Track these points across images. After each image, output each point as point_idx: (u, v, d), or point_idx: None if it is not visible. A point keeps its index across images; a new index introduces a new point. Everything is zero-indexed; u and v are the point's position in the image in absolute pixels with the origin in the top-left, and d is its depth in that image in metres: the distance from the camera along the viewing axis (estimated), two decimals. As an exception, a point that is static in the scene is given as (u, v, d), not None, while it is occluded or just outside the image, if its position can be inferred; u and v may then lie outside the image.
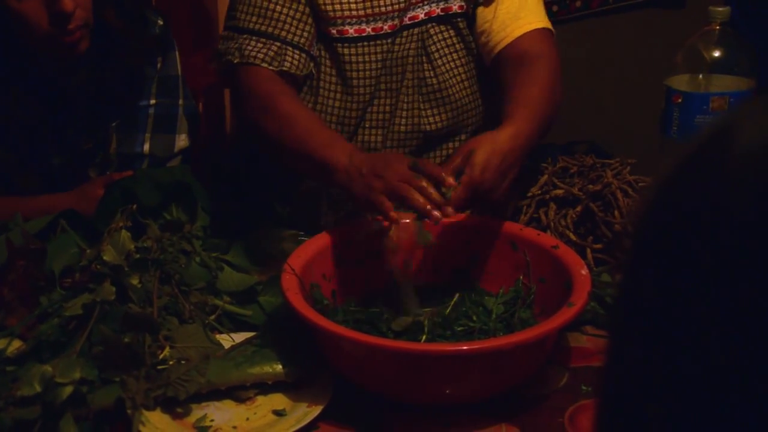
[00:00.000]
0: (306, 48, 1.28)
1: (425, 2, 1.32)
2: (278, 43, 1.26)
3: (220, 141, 2.07)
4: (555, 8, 2.39)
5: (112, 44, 1.33)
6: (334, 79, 1.33)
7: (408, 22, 1.32)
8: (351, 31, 1.30)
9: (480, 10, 1.32)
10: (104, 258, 1.04)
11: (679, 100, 1.32)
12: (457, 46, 1.35)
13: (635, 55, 2.41)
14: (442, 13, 1.33)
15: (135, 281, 1.04)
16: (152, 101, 1.41)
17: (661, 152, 1.41)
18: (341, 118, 1.34)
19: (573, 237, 1.21)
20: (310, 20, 1.29)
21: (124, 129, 1.40)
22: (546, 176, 1.27)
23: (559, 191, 1.24)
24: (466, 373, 0.93)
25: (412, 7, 1.32)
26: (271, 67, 1.24)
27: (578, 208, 1.22)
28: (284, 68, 1.25)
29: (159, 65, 1.41)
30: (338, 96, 1.33)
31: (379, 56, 1.32)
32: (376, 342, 0.92)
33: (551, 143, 1.86)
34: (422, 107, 1.36)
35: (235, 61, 1.25)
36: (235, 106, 1.45)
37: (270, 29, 1.26)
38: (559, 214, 1.23)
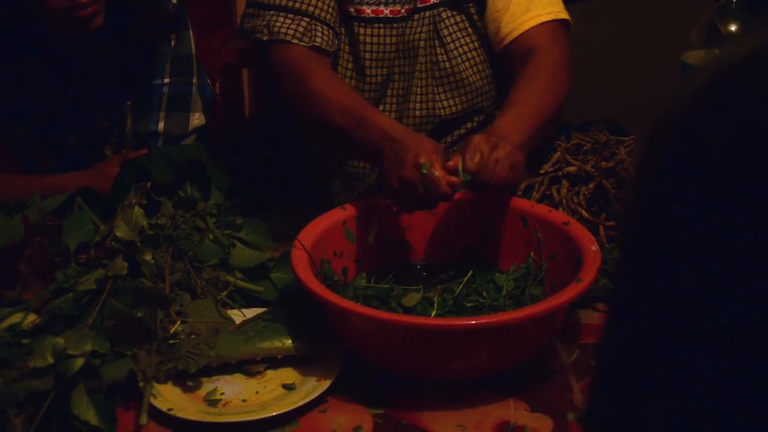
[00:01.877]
0: (332, 24, 1.26)
1: None
2: (307, 19, 1.23)
3: (238, 120, 2.08)
4: (573, -14, 2.36)
5: (126, 22, 1.33)
6: (348, 59, 1.32)
7: (420, 5, 1.31)
8: (368, 11, 1.29)
9: None
10: (117, 234, 1.05)
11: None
12: (469, 29, 1.34)
13: (651, 32, 2.38)
14: None
15: (148, 257, 1.05)
16: (166, 80, 1.42)
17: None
18: None
19: (585, 214, 1.20)
20: None
21: (139, 107, 1.42)
22: (559, 153, 1.26)
23: (571, 168, 1.24)
24: (474, 347, 0.93)
25: None
26: (302, 43, 1.21)
27: (591, 185, 1.22)
28: (316, 44, 1.22)
29: (173, 43, 1.42)
30: (353, 75, 1.33)
31: (394, 39, 1.31)
32: (385, 317, 0.92)
33: (567, 122, 1.85)
34: (436, 91, 1.35)
35: (264, 39, 1.22)
36: (263, 85, 1.42)
37: (297, 4, 1.23)
38: (571, 191, 1.23)
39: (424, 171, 1.01)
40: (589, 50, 2.32)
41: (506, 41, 1.29)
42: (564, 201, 1.21)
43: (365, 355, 0.98)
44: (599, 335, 0.40)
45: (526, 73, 1.21)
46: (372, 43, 1.31)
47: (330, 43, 1.24)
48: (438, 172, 1.01)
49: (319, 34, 1.23)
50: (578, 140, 1.30)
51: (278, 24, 1.22)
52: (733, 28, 1.31)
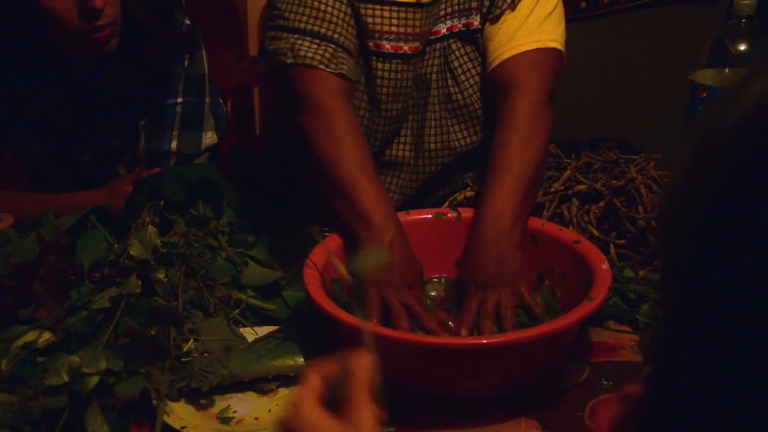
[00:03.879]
0: (354, 54, 1.23)
1: (447, 17, 1.28)
2: (333, 45, 1.19)
3: (249, 139, 2.09)
4: (583, 4, 2.38)
5: (141, 43, 1.35)
6: (363, 92, 1.30)
7: (431, 38, 1.29)
8: (388, 46, 1.27)
9: (487, 25, 1.27)
10: (131, 253, 1.06)
11: (704, 95, 1.31)
12: (478, 61, 1.31)
13: (661, 50, 2.39)
14: (464, 29, 1.29)
15: (161, 275, 1.06)
16: (179, 99, 1.43)
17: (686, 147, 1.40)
18: (368, 131, 1.31)
19: (596, 232, 1.20)
20: (354, 27, 1.24)
21: (152, 127, 1.43)
22: (569, 171, 1.26)
23: (582, 186, 1.24)
24: (485, 367, 0.93)
25: (435, 22, 1.29)
26: (328, 69, 1.17)
27: (601, 204, 1.22)
28: (342, 71, 1.18)
29: (186, 63, 1.43)
30: (368, 109, 1.30)
31: (410, 74, 1.29)
32: (396, 335, 0.93)
33: (577, 141, 1.85)
34: (450, 123, 1.34)
35: (289, 61, 1.18)
36: (277, 104, 1.40)
37: (323, 30, 1.20)
38: (582, 210, 1.23)
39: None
40: (599, 69, 2.34)
41: (489, 69, 1.26)
42: (574, 219, 1.22)
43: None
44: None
45: (502, 123, 1.16)
46: (390, 78, 1.28)
47: (353, 72, 1.21)
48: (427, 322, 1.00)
49: (344, 62, 1.19)
50: (588, 159, 1.30)
51: (304, 48, 1.18)
52: (742, 47, 1.31)
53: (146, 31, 1.35)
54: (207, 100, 1.45)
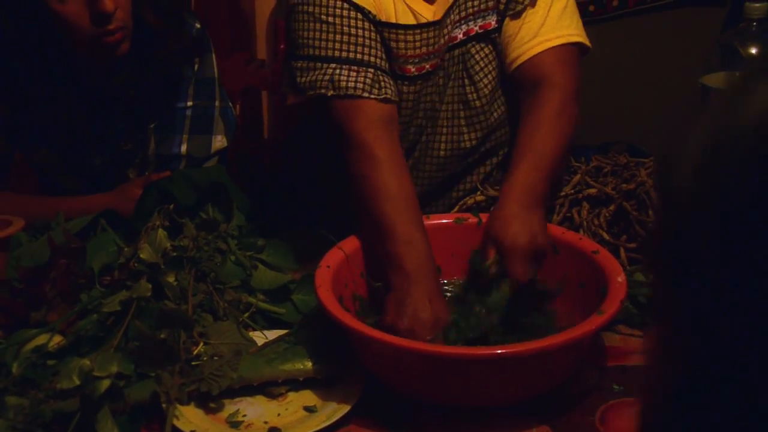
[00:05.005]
0: (391, 75, 1.20)
1: (462, 21, 1.26)
2: (372, 70, 1.15)
3: (257, 143, 2.10)
4: (592, 8, 2.38)
5: (152, 47, 1.36)
6: None
7: (449, 44, 1.27)
8: (413, 69, 1.25)
9: (506, 21, 1.26)
10: (141, 256, 1.06)
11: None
12: (494, 62, 1.30)
13: (671, 54, 2.38)
14: (481, 31, 1.27)
15: (171, 279, 1.06)
16: (189, 103, 1.44)
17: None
18: None
19: (606, 236, 1.20)
20: (384, 49, 1.21)
21: (162, 130, 1.43)
22: (579, 175, 1.26)
23: (592, 190, 1.24)
24: (493, 377, 0.92)
25: (452, 28, 1.27)
26: (372, 96, 1.14)
27: (612, 207, 1.22)
28: (387, 95, 1.15)
29: (196, 67, 1.44)
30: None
31: (431, 89, 1.28)
32: (403, 344, 0.92)
33: (587, 144, 1.85)
34: (463, 130, 1.33)
35: (330, 94, 1.14)
36: (295, 113, 1.35)
37: (360, 56, 1.16)
38: (592, 213, 1.23)
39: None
40: (609, 71, 2.33)
41: (513, 66, 1.25)
42: (585, 223, 1.21)
43: (385, 380, 0.98)
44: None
45: (532, 112, 1.18)
46: (411, 99, 1.27)
47: (395, 94, 1.18)
48: None
49: (387, 85, 1.16)
50: (598, 162, 1.30)
51: (343, 77, 1.14)
52: (753, 50, 1.31)
53: (157, 35, 1.35)
54: (217, 103, 1.46)
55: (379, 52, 1.18)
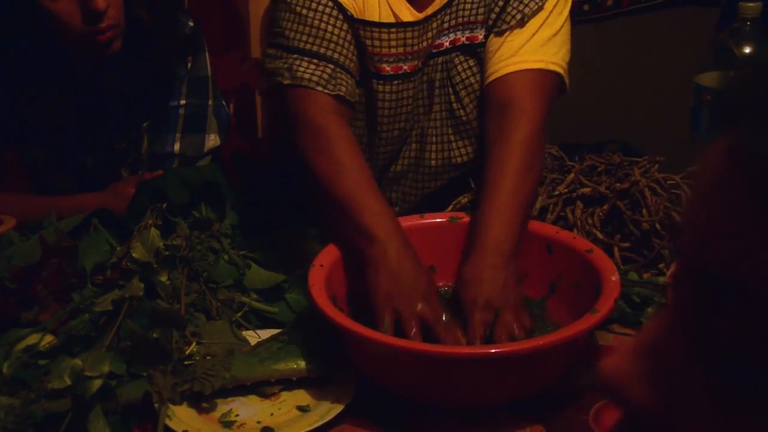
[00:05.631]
0: (354, 74, 1.20)
1: (450, 30, 1.25)
2: (332, 66, 1.17)
3: (251, 141, 2.09)
4: (586, 7, 2.38)
5: (144, 45, 1.35)
6: (363, 114, 1.28)
7: (433, 51, 1.26)
8: (388, 68, 1.24)
9: (491, 37, 1.23)
10: (134, 255, 1.06)
11: (709, 98, 1.31)
12: (478, 76, 1.27)
13: (665, 53, 2.38)
14: (467, 42, 1.25)
15: (164, 278, 1.06)
16: (182, 101, 1.43)
17: (691, 150, 1.40)
18: (369, 152, 1.29)
19: (600, 235, 1.20)
20: (355, 48, 1.21)
21: (155, 129, 1.43)
22: (573, 174, 1.26)
23: (586, 189, 1.24)
24: (483, 377, 0.92)
25: (438, 34, 1.25)
26: (326, 91, 1.15)
27: (605, 207, 1.21)
28: (340, 93, 1.16)
29: (189, 65, 1.43)
30: (366, 128, 1.29)
31: (411, 92, 1.28)
32: (394, 343, 0.91)
33: (580, 143, 1.85)
34: (451, 139, 1.32)
35: (286, 83, 1.17)
36: (282, 114, 1.35)
37: (323, 50, 1.17)
38: (586, 213, 1.23)
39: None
40: (602, 71, 2.33)
41: (486, 82, 1.22)
42: (578, 222, 1.21)
43: (377, 380, 0.97)
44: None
45: (500, 140, 1.13)
46: (390, 99, 1.27)
47: (352, 93, 1.19)
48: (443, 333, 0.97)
49: (343, 83, 1.17)
50: (592, 161, 1.30)
51: (301, 68, 1.16)
52: (747, 49, 1.31)
53: (149, 33, 1.34)
54: (210, 102, 1.45)
55: (344, 50, 1.19)
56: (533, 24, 1.21)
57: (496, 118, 1.17)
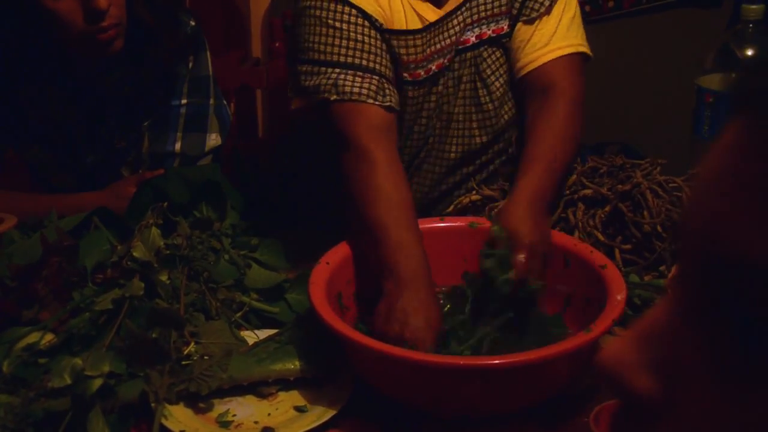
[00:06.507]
0: (395, 84, 1.20)
1: (475, 24, 1.27)
2: (377, 77, 1.16)
3: (252, 141, 2.09)
4: (588, 8, 2.38)
5: (145, 44, 1.35)
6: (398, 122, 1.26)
7: (460, 47, 1.27)
8: (422, 73, 1.25)
9: (519, 26, 1.28)
10: (134, 254, 1.06)
11: (711, 100, 1.30)
12: (505, 66, 1.31)
13: (666, 55, 2.38)
14: (494, 35, 1.28)
15: (164, 277, 1.06)
16: (183, 101, 1.43)
17: (693, 152, 1.40)
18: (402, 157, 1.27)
19: (601, 237, 1.20)
20: (390, 57, 1.21)
21: (156, 128, 1.43)
22: (575, 176, 1.26)
23: (587, 191, 1.24)
24: (487, 388, 0.91)
25: (462, 31, 1.27)
26: (376, 103, 1.14)
27: (607, 208, 1.21)
28: (391, 104, 1.15)
29: (190, 65, 1.43)
30: (400, 138, 1.28)
31: (440, 87, 1.29)
32: (390, 351, 0.90)
33: (582, 145, 1.84)
34: (475, 133, 1.34)
35: (333, 98, 1.14)
36: (298, 116, 1.33)
37: (365, 62, 1.16)
38: (587, 214, 1.22)
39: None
40: (604, 73, 2.33)
41: (523, 71, 1.27)
42: (580, 224, 1.21)
43: (375, 384, 0.96)
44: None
45: (542, 118, 1.21)
46: (419, 103, 1.28)
47: (397, 102, 1.18)
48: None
49: (389, 93, 1.16)
50: (594, 163, 1.29)
51: (348, 83, 1.14)
52: (749, 52, 1.31)
53: (151, 33, 1.34)
54: (211, 101, 1.45)
55: (384, 61, 1.18)
56: (558, 9, 1.27)
57: (537, 102, 1.23)
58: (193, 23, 1.43)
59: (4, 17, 1.28)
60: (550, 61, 1.25)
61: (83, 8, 1.23)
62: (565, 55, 1.26)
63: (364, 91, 1.14)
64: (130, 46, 1.32)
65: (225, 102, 1.50)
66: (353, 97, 1.13)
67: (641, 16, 2.41)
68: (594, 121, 2.37)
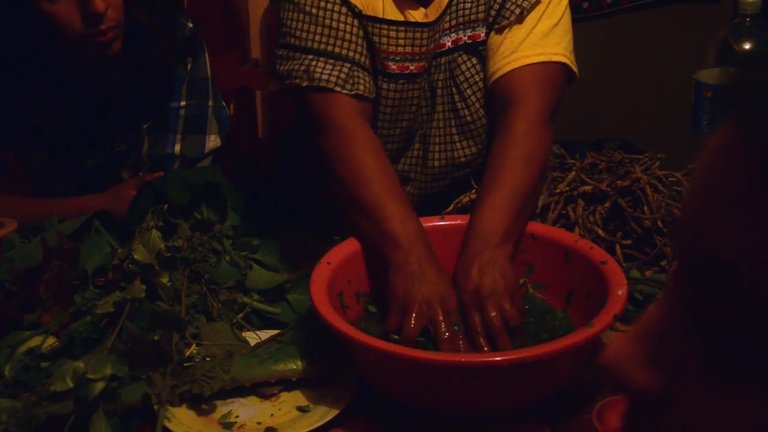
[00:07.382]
0: (370, 71, 1.20)
1: (452, 29, 1.25)
2: (348, 64, 1.16)
3: (251, 142, 2.09)
4: (586, 4, 2.38)
5: (144, 46, 1.35)
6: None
7: (436, 51, 1.26)
8: (394, 67, 1.24)
9: (492, 34, 1.23)
10: (135, 257, 1.06)
11: (709, 94, 1.30)
12: (481, 74, 1.28)
13: (665, 50, 2.38)
14: (469, 41, 1.25)
15: (165, 280, 1.06)
16: (182, 103, 1.43)
17: (692, 147, 1.40)
18: None
19: (602, 233, 1.20)
20: (366, 43, 1.21)
21: (156, 130, 1.43)
22: (574, 172, 1.26)
23: (587, 187, 1.24)
24: (488, 386, 0.91)
25: (440, 35, 1.25)
26: (344, 91, 1.15)
27: (607, 204, 1.21)
28: (359, 91, 1.16)
29: (189, 67, 1.43)
30: (382, 136, 1.27)
31: (416, 93, 1.27)
32: (392, 350, 0.89)
33: (581, 140, 1.85)
34: (455, 139, 1.32)
35: (304, 84, 1.15)
36: (291, 114, 1.35)
37: (337, 49, 1.16)
38: (587, 210, 1.22)
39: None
40: (602, 69, 2.33)
41: (490, 81, 1.22)
42: (580, 220, 1.21)
43: (377, 384, 0.96)
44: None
45: (499, 134, 1.15)
46: (394, 98, 1.26)
47: (371, 90, 1.19)
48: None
49: (361, 81, 1.17)
50: (593, 159, 1.29)
51: (318, 69, 1.15)
52: (747, 46, 1.31)
53: (149, 35, 1.34)
54: (210, 103, 1.45)
55: (359, 47, 1.19)
56: (532, 17, 1.21)
57: (499, 115, 1.18)
58: (191, 25, 1.43)
59: (3, 22, 1.28)
60: (514, 70, 1.19)
61: (81, 11, 1.23)
62: (533, 64, 1.18)
63: (333, 79, 1.15)
64: (128, 49, 1.32)
65: (224, 103, 1.50)
66: (322, 84, 1.15)
67: (639, 12, 2.41)
68: (593, 117, 2.37)
